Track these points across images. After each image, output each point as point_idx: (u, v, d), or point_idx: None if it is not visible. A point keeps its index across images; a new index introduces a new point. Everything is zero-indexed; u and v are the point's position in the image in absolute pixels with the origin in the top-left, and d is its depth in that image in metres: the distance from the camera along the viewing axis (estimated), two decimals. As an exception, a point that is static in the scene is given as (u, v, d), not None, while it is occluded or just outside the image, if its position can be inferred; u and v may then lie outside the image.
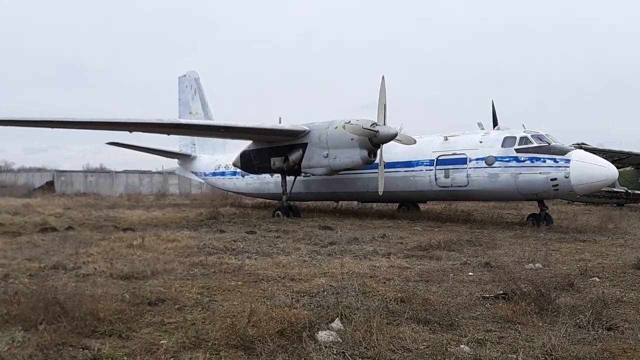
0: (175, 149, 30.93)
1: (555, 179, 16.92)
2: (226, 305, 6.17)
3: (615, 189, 27.70)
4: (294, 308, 5.80)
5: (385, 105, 17.98)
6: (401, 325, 5.11)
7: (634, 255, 10.77)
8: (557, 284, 7.30)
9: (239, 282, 7.62)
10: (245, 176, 26.11)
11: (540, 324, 5.29)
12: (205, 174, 29.72)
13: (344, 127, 17.94)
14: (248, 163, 21.84)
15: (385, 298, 6.28)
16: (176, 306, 6.14)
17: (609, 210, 27.19)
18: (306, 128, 19.54)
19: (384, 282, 7.56)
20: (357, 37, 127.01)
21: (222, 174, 28.25)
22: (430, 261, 10.01)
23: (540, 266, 9.38)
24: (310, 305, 5.97)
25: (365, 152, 18.34)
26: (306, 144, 19.52)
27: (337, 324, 5.04)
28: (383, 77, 17.92)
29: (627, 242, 13.13)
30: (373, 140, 18.14)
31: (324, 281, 7.65)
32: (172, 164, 33.83)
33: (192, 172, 30.88)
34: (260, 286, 7.41)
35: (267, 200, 28.46)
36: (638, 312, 5.89)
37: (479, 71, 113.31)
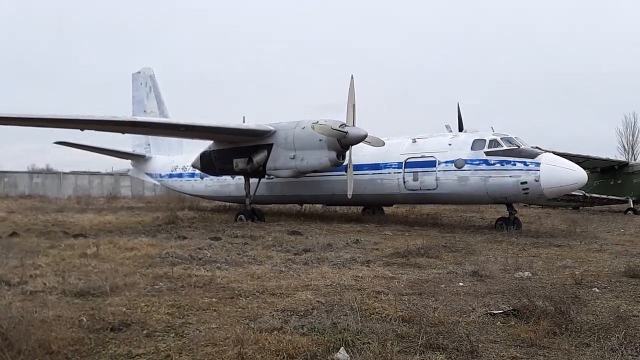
0: (129, 149, 29.46)
1: (526, 182, 16.69)
2: (204, 330, 5.31)
3: (573, 193, 28.00)
4: (285, 332, 5.01)
5: (354, 105, 17.36)
6: (417, 353, 4.39)
7: (616, 261, 10.53)
8: (561, 297, 6.75)
9: (213, 299, 6.74)
10: (205, 178, 25.00)
11: (566, 346, 4.69)
12: (161, 176, 28.39)
13: (312, 127, 17.19)
14: (208, 164, 20.80)
15: (386, 317, 5.57)
16: (144, 331, 5.24)
17: (570, 214, 27.51)
18: (272, 128, 18.69)
19: (376, 297, 6.85)
20: (316, 36, 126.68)
21: (180, 175, 27.02)
22: (413, 270, 9.39)
23: (530, 275, 8.91)
24: (303, 329, 5.19)
25: (334, 154, 17.65)
26: (272, 144, 18.67)
27: (342, 354, 4.29)
28: (352, 76, 17.33)
29: (602, 247, 12.90)
30: (342, 142, 17.48)
31: (309, 296, 6.86)
32: (124, 164, 32.30)
33: (147, 174, 29.48)
34: (238, 303, 6.56)
35: (228, 204, 27.41)
36: (659, 329, 5.38)
37: (434, 72, 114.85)
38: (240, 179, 21.87)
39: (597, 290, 7.55)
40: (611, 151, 54.79)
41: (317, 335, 4.96)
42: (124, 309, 6.00)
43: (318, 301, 6.49)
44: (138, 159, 29.39)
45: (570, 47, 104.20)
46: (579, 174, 16.62)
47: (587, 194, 28.29)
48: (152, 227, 17.11)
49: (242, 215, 19.74)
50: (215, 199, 27.45)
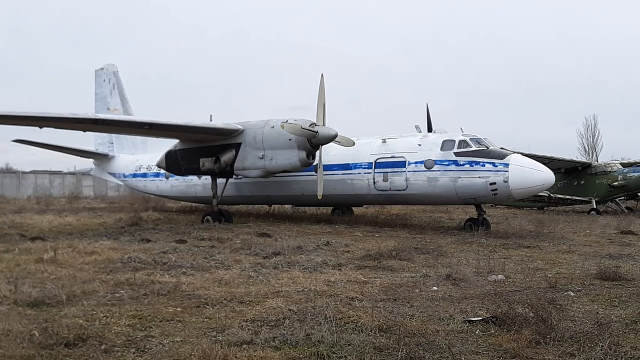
0: (91, 148, 28.53)
1: (494, 183, 16.71)
2: (167, 344, 4.94)
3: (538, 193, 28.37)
4: (256, 346, 4.69)
5: (324, 104, 17.08)
6: (398, 369, 4.13)
7: (586, 263, 10.53)
8: (540, 302, 6.61)
9: (178, 308, 6.36)
10: (170, 178, 24.36)
11: (550, 356, 4.50)
12: (124, 176, 27.58)
13: (282, 126, 16.83)
14: (174, 164, 20.21)
15: (362, 327, 5.29)
16: (102, 346, 4.84)
17: (535, 214, 27.86)
18: (240, 127, 18.26)
19: (350, 304, 6.58)
20: (286, 38, 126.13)
21: (144, 175, 26.28)
22: (386, 273, 9.17)
23: (503, 278, 8.80)
24: (274, 341, 4.87)
25: (303, 154, 17.34)
26: (240, 144, 18.24)
27: (318, 370, 3.99)
28: (322, 75, 17.05)
29: (571, 249, 12.96)
30: (312, 141, 17.17)
31: (279, 304, 6.55)
32: (86, 164, 31.31)
33: (110, 173, 28.60)
34: (204, 313, 6.19)
35: (194, 204, 26.80)
36: (638, 337, 5.26)
37: (403, 75, 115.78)
38: (207, 179, 21.37)
39: (572, 293, 7.45)
40: (572, 152, 56.06)
41: (289, 348, 4.66)
42: (81, 321, 5.58)
43: (290, 309, 6.18)
44: (101, 158, 28.50)
45: (535, 53, 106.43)
46: (547, 175, 16.73)
47: (551, 195, 28.68)
48: (115, 229, 16.51)
49: (209, 217, 19.26)
50: (181, 200, 26.81)
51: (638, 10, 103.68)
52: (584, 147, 62.91)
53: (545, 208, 31.60)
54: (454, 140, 17.60)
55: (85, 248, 11.24)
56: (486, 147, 17.39)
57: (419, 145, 18.10)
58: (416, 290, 7.64)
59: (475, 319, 5.67)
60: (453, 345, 4.60)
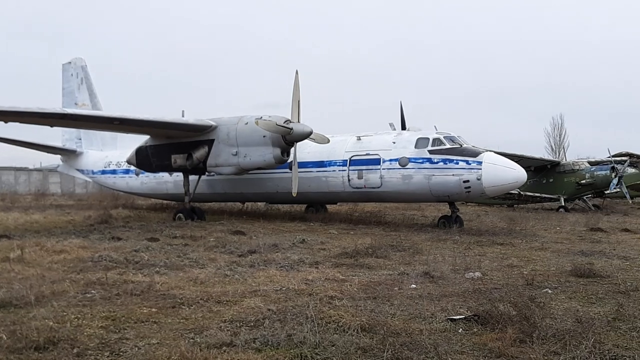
0: (58, 144, 27.76)
1: (468, 180, 16.82)
2: (143, 347, 4.75)
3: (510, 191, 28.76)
4: (236, 348, 4.54)
5: (299, 101, 16.92)
6: (385, 370, 4.03)
7: (560, 260, 10.65)
8: (517, 299, 6.61)
9: (153, 309, 6.15)
10: (140, 175, 23.86)
11: (535, 355, 4.46)
12: (93, 172, 26.91)
13: (256, 122, 16.60)
14: (145, 160, 19.79)
15: (344, 326, 5.19)
16: (74, 350, 4.62)
17: (506, 211, 28.22)
18: (213, 123, 17.96)
19: (330, 302, 6.47)
20: (257, 35, 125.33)
21: (113, 172, 25.69)
22: (363, 271, 9.10)
23: (480, 275, 8.80)
24: (255, 343, 4.72)
25: (278, 151, 17.15)
26: (213, 140, 17.95)
27: (303, 373, 3.87)
28: (297, 71, 16.89)
29: (544, 246, 13.11)
30: (287, 138, 17.00)
31: (258, 303, 6.40)
32: (53, 160, 30.49)
33: (78, 170, 27.88)
34: (180, 313, 6.00)
35: (165, 202, 26.34)
36: (620, 335, 5.28)
37: (376, 75, 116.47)
38: (178, 176, 21.00)
39: (549, 291, 7.49)
40: (540, 151, 57.08)
41: (271, 350, 4.52)
42: (51, 323, 5.33)
43: (269, 309, 6.04)
44: (68, 154, 27.76)
45: (504, 54, 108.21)
46: (520, 173, 16.92)
47: (521, 192, 29.11)
48: (84, 227, 16.06)
49: (180, 214, 18.90)
50: (152, 197, 26.33)
51: (602, 13, 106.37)
52: (551, 146, 64.32)
53: (515, 205, 32.06)
54: (428, 138, 17.65)
55: (53, 246, 10.88)
56: (460, 145, 17.49)
57: (394, 142, 18.10)
58: (395, 288, 7.58)
59: (458, 317, 5.62)
60: (438, 345, 4.52)
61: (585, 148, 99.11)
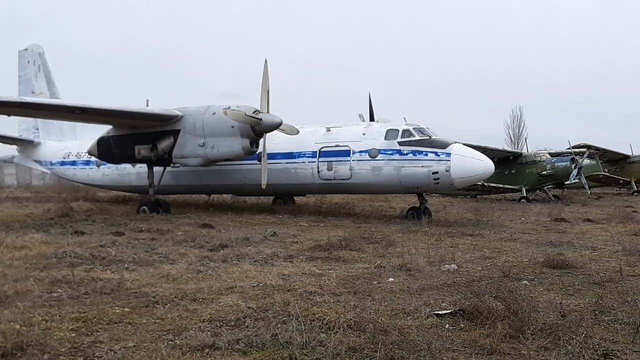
0: (15, 134, 26.65)
1: (437, 172, 16.89)
2: (119, 351, 4.47)
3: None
4: (220, 350, 4.32)
5: (268, 91, 16.61)
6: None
7: (530, 251, 10.76)
8: (499, 292, 6.58)
9: (125, 308, 5.85)
10: (102, 166, 23.11)
11: (526, 351, 4.40)
12: (51, 163, 25.96)
13: (224, 113, 16.18)
14: (107, 151, 19.13)
15: (330, 324, 5.02)
16: (45, 356, 4.31)
17: (470, 202, 28.60)
18: (179, 113, 17.46)
19: (310, 298, 6.30)
20: (222, 23, 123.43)
21: (73, 163, 24.83)
22: (339, 265, 8.96)
23: (456, 267, 8.80)
24: (239, 344, 4.51)
25: (247, 142, 16.80)
26: (179, 130, 17.45)
27: (294, 377, 3.69)
28: (266, 60, 16.60)
29: (512, 237, 13.25)
30: (256, 129, 16.66)
31: (236, 300, 6.17)
32: (9, 150, 29.25)
33: (35, 161, 26.87)
34: (155, 313, 5.73)
35: (127, 194, 25.62)
36: (604, 328, 5.29)
37: (341, 67, 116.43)
38: (141, 168, 20.39)
39: (527, 283, 7.50)
40: (500, 142, 58.04)
41: (257, 352, 4.32)
42: (18, 326, 4.98)
43: (248, 307, 5.82)
44: (25, 144, 26.69)
45: (465, 49, 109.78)
46: (487, 165, 17.10)
47: (485, 183, 29.50)
48: (44, 220, 15.43)
49: (145, 207, 18.36)
50: (114, 189, 25.56)
51: (561, 11, 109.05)
52: (510, 138, 65.65)
53: (478, 196, 32.51)
54: (398, 130, 17.62)
55: (13, 242, 10.35)
56: (429, 136, 17.53)
57: (364, 134, 18.00)
58: (374, 282, 7.46)
59: (443, 312, 5.53)
60: (430, 343, 4.41)
61: (542, 140, 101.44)
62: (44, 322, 5.27)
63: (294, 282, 7.30)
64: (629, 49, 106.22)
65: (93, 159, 22.14)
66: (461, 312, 5.44)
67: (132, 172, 22.15)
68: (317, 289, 6.87)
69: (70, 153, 25.02)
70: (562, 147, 36.31)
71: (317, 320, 5.18)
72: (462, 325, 5.18)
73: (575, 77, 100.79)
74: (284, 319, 5.21)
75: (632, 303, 6.22)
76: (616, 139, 71.16)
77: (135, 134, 18.30)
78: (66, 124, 25.41)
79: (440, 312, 5.52)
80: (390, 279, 7.74)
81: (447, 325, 5.20)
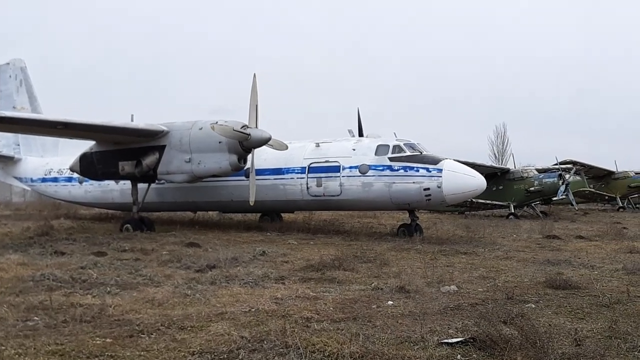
0: (-6, 150, 25.97)
1: (428, 188, 16.60)
2: (100, 390, 4.01)
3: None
4: (213, 389, 3.88)
5: (257, 105, 16.24)
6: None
7: (528, 270, 10.47)
8: (505, 316, 6.23)
9: (107, 339, 5.37)
10: (84, 183, 22.49)
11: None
12: (32, 180, 25.27)
13: (212, 128, 15.75)
14: (90, 167, 18.56)
15: (333, 356, 4.61)
16: (15, 398, 3.85)
17: (458, 219, 28.35)
18: (164, 128, 16.99)
19: (307, 326, 5.87)
20: (208, 39, 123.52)
21: (55, 180, 24.17)
22: (334, 286, 8.54)
23: (456, 289, 8.42)
24: (234, 382, 4.08)
25: (234, 157, 16.35)
26: (164, 146, 16.96)
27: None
28: (255, 75, 16.23)
29: (507, 255, 12.96)
30: (244, 144, 16.23)
31: (227, 328, 5.71)
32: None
33: (16, 178, 26.15)
34: (140, 344, 5.25)
35: (110, 211, 24.97)
36: (624, 357, 4.94)
37: (328, 81, 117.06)
38: (125, 184, 19.83)
39: (533, 305, 7.15)
40: (484, 158, 58.24)
41: (255, 391, 3.89)
42: (-14, 362, 4.50)
43: (241, 336, 5.37)
44: (5, 160, 25.99)
45: (450, 65, 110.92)
46: (479, 181, 16.87)
47: (473, 200, 29.32)
48: (22, 239, 14.78)
49: (128, 225, 17.76)
50: (96, 206, 24.91)
51: (541, 28, 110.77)
52: (495, 154, 65.94)
53: (466, 213, 32.32)
54: (389, 145, 17.34)
55: (-12, 264, 9.79)
56: (420, 152, 17.26)
57: (354, 149, 17.68)
58: (373, 306, 7.05)
59: (453, 340, 5.14)
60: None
61: (526, 156, 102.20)
62: (17, 355, 4.79)
63: (288, 307, 6.86)
64: (612, 64, 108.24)
65: (75, 175, 21.56)
66: (472, 340, 5.05)
67: (116, 189, 21.57)
68: (313, 314, 6.44)
69: (51, 169, 24.40)
70: (546, 163, 36.43)
71: (318, 352, 4.76)
72: (474, 356, 4.79)
73: (559, 93, 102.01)
74: (282, 350, 4.79)
75: (647, 328, 5.90)
76: (600, 155, 71.87)
77: (119, 150, 17.79)
78: (48, 140, 24.79)
79: (449, 341, 5.13)
80: (390, 302, 7.35)
81: (459, 356, 4.81)
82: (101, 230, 17.97)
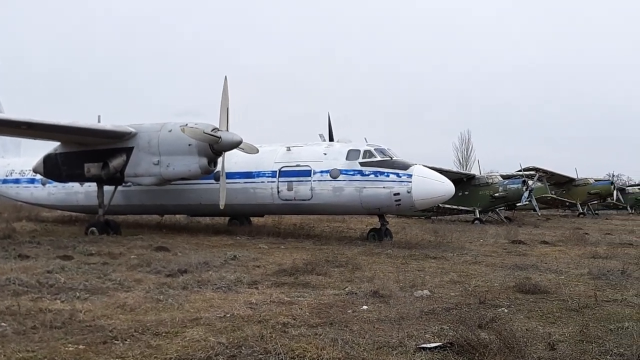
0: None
1: (398, 193, 16.74)
2: (76, 399, 3.90)
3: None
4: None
5: (227, 108, 16.10)
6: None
7: (497, 275, 10.65)
8: (478, 319, 6.32)
9: (80, 345, 5.22)
10: (48, 185, 21.89)
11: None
12: (-8, 181, 24.47)
13: (182, 130, 15.51)
14: (54, 169, 18.09)
15: (313, 363, 4.59)
16: (-13, 408, 3.70)
17: (425, 223, 28.68)
18: (132, 130, 16.68)
19: (285, 331, 5.83)
20: (177, 39, 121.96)
21: (16, 181, 23.46)
22: (308, 291, 8.52)
23: (429, 293, 8.52)
24: (215, 389, 4.01)
25: (204, 160, 16.15)
26: (132, 148, 16.65)
27: None
28: (225, 77, 16.11)
29: (476, 260, 13.16)
30: (215, 147, 16.06)
31: (203, 334, 5.63)
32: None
33: (-26, 179, 25.25)
34: (114, 350, 5.12)
35: (74, 214, 24.35)
36: None
37: (296, 85, 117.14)
38: (90, 186, 19.41)
39: (505, 310, 7.27)
40: (449, 164, 59.08)
41: (238, 398, 3.83)
42: (-48, 372, 4.32)
43: (219, 342, 5.29)
44: (-37, 161, 25.10)
45: (416, 73, 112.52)
46: (448, 187, 17.10)
47: (440, 204, 29.70)
48: (-17, 243, 14.27)
49: (94, 228, 17.35)
50: (60, 209, 24.25)
51: (506, 37, 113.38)
52: (459, 160, 67.00)
53: (432, 217, 32.71)
54: (359, 150, 17.43)
55: (-53, 269, 9.41)
56: (390, 157, 17.40)
57: (325, 154, 17.71)
58: (349, 311, 7.06)
59: (431, 345, 5.18)
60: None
61: (489, 162, 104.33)
62: (-16, 364, 4.62)
63: (263, 312, 6.80)
64: (574, 73, 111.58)
65: (38, 176, 21.01)
66: (450, 345, 5.10)
67: (80, 191, 21.09)
68: (290, 319, 6.41)
69: (13, 170, 23.70)
70: (510, 169, 37.23)
71: (298, 358, 4.74)
72: (455, 360, 4.84)
73: (522, 101, 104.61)
74: (262, 356, 4.75)
75: (616, 331, 6.07)
76: (562, 162, 73.89)
77: (85, 151, 17.40)
78: (9, 140, 24.10)
79: (428, 346, 5.16)
80: (365, 307, 7.37)
81: (437, 360, 4.85)
82: (66, 234, 17.52)
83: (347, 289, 8.63)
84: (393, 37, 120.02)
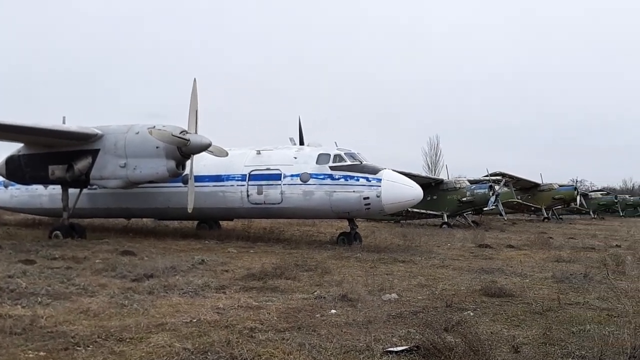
0: None
1: (368, 197, 16.83)
2: (35, 408, 3.78)
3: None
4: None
5: (196, 111, 15.94)
6: None
7: (464, 278, 10.79)
8: (445, 322, 6.38)
9: (41, 352, 5.08)
10: (10, 187, 21.35)
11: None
12: (-50, 184, 23.69)
13: (150, 132, 15.27)
14: (17, 171, 17.63)
15: (280, 369, 4.56)
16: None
17: (394, 227, 28.87)
18: (98, 132, 16.36)
19: (252, 336, 5.78)
20: (144, 39, 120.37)
21: (-23, 183, 22.78)
22: (277, 295, 8.47)
23: (396, 297, 8.55)
24: (180, 396, 3.95)
25: (172, 163, 15.94)
26: (98, 150, 16.33)
27: None
28: (195, 80, 15.92)
29: (444, 263, 13.30)
30: (183, 150, 15.86)
31: (168, 340, 5.54)
32: None
33: None
34: (76, 357, 5.00)
35: (37, 217, 23.75)
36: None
37: (265, 89, 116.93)
38: (54, 189, 18.98)
39: (471, 313, 7.36)
40: (418, 169, 59.82)
41: (203, 405, 3.78)
42: None
43: (184, 348, 5.22)
44: None
45: (386, 80, 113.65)
46: (417, 191, 17.27)
47: (409, 209, 29.97)
48: (-61, 247, 13.80)
49: (58, 232, 16.93)
50: (23, 212, 23.63)
51: (473, 44, 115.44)
52: (428, 165, 67.90)
53: (401, 221, 32.98)
54: (330, 154, 17.47)
55: None
56: (360, 162, 17.49)
57: (295, 158, 17.69)
58: (317, 315, 7.05)
59: (398, 349, 5.20)
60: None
61: (457, 167, 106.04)
62: (-62, 373, 4.45)
63: (230, 317, 6.74)
64: (540, 80, 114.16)
65: (0, 179, 20.43)
66: (417, 348, 5.13)
67: (44, 194, 20.62)
68: (257, 324, 6.36)
69: (-27, 172, 22.96)
70: (477, 175, 37.81)
71: (265, 364, 4.70)
72: (422, 366, 4.87)
73: (489, 108, 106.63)
74: (227, 362, 4.68)
75: (578, 334, 6.21)
76: (527, 167, 75.46)
77: (50, 153, 17.00)
78: (-31, 141, 23.37)
79: (394, 349, 5.19)
80: (333, 311, 7.36)
81: (404, 364, 4.87)
82: (28, 237, 17.07)
83: (315, 293, 8.61)
84: (366, 44, 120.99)
